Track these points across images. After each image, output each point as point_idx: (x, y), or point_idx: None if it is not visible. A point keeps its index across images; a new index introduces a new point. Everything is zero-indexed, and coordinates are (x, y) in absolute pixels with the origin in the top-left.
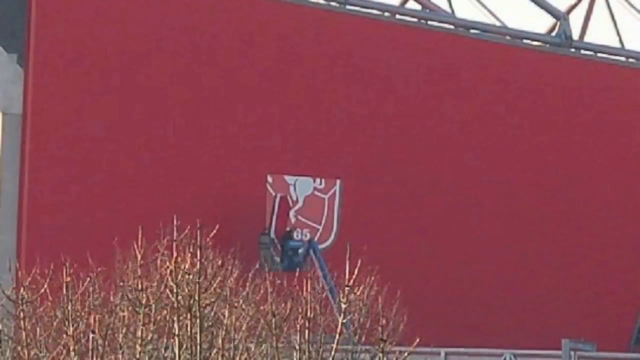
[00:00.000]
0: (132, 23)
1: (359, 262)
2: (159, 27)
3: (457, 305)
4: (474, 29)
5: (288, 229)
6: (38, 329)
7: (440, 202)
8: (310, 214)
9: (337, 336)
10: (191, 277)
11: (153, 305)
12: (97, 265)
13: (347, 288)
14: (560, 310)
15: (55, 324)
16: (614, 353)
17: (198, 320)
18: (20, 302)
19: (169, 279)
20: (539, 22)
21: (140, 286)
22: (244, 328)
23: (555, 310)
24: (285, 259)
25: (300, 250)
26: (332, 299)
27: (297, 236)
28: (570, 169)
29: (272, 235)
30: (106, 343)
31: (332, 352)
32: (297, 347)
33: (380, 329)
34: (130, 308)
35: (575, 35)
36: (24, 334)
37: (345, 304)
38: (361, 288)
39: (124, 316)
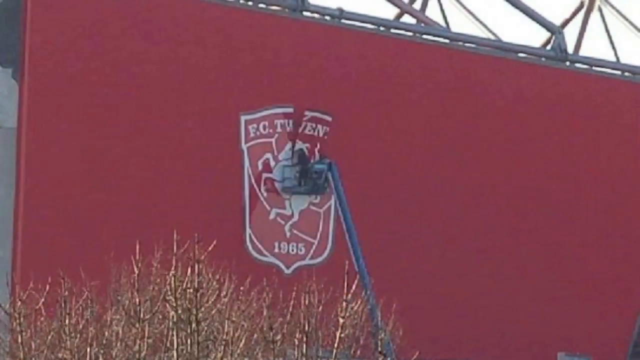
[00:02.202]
0: (126, 37)
1: (356, 277)
2: (154, 40)
3: (452, 319)
4: (469, 42)
5: (301, 153)
6: (34, 343)
7: (435, 215)
8: (306, 228)
9: (335, 350)
10: (190, 291)
11: (148, 319)
12: (93, 280)
13: (344, 303)
14: (556, 323)
15: (50, 337)
16: None
17: (195, 334)
18: (16, 315)
19: (168, 292)
20: (534, 36)
21: (135, 300)
22: (241, 342)
23: (551, 323)
24: (309, 182)
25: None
26: (347, 225)
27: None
28: (565, 181)
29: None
30: (102, 357)
31: None
32: None
33: (378, 342)
34: (125, 322)
35: (570, 49)
36: (20, 347)
37: (343, 318)
38: (358, 302)
39: (119, 330)
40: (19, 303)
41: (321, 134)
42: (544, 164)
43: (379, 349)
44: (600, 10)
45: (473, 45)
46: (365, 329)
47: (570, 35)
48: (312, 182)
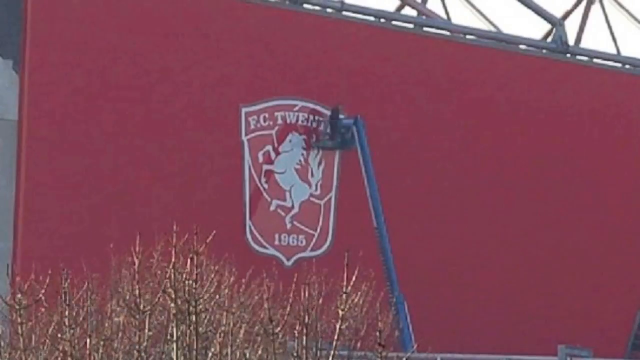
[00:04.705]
0: (128, 29)
1: (356, 268)
2: (154, 32)
3: (452, 311)
4: (469, 34)
5: (334, 107)
6: (34, 335)
7: (436, 207)
8: (306, 219)
9: (335, 342)
10: (189, 282)
11: (149, 311)
12: (93, 271)
13: (344, 295)
14: (557, 315)
15: (51, 329)
16: (610, 359)
17: (194, 326)
18: (17, 307)
19: (168, 284)
20: (535, 28)
21: (136, 292)
22: (241, 334)
23: (551, 316)
24: (337, 137)
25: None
26: (369, 181)
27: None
28: (565, 175)
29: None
30: (102, 349)
31: (330, 358)
32: (294, 353)
33: (378, 334)
34: (126, 313)
35: (571, 41)
36: (20, 339)
37: (342, 310)
38: (358, 294)
39: (119, 321)
40: (20, 294)
41: (315, 125)
42: (545, 156)
43: (379, 341)
44: (601, 2)
45: (474, 37)
46: (365, 322)
47: (571, 27)
48: (341, 137)
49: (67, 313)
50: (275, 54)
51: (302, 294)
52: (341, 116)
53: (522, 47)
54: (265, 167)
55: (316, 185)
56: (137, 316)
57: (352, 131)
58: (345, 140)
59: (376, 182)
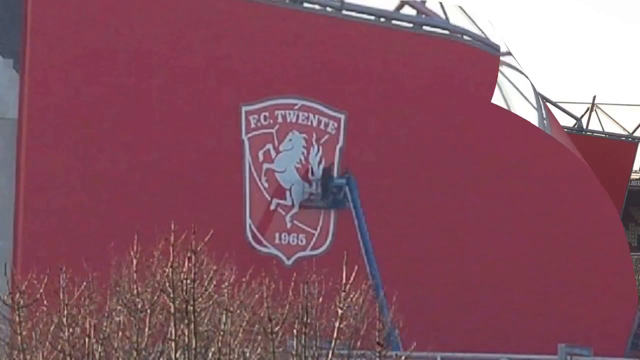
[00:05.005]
0: (127, 28)
1: (355, 267)
2: (154, 30)
3: (453, 310)
4: (467, 35)
5: (326, 166)
6: (34, 334)
7: (435, 206)
8: (306, 219)
9: (334, 341)
10: (188, 281)
11: (148, 310)
12: (93, 271)
13: (343, 294)
14: (557, 315)
15: (51, 328)
16: (610, 358)
17: (193, 325)
18: (16, 306)
19: (166, 283)
20: None
21: (135, 291)
22: (240, 333)
23: (551, 315)
24: (329, 196)
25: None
26: (363, 240)
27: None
28: (566, 172)
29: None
30: (101, 348)
31: (329, 357)
32: (294, 351)
33: (377, 333)
34: (125, 313)
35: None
36: (19, 338)
37: (341, 308)
38: (357, 293)
39: (119, 321)
40: (19, 294)
41: (315, 124)
42: (542, 153)
43: (378, 339)
44: None
45: (470, 38)
46: (365, 321)
47: None
48: (333, 196)
49: (66, 312)
50: (275, 53)
51: (302, 293)
52: (335, 178)
53: None
54: (266, 165)
55: (316, 184)
56: (137, 315)
57: (345, 190)
58: (337, 200)
59: (370, 238)
